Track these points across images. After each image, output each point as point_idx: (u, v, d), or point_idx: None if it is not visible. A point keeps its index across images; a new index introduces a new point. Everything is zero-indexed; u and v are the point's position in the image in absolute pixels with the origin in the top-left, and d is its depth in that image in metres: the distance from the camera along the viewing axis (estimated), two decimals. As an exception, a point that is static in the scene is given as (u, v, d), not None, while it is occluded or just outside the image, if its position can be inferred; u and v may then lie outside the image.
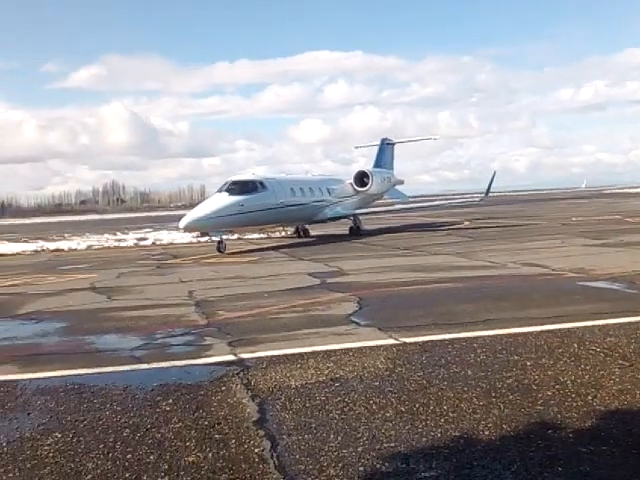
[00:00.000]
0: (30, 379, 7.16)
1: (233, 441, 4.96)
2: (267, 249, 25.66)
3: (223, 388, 6.39)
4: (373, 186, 34.41)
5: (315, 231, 34.05)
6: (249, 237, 32.83)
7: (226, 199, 24.79)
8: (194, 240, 30.97)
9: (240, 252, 24.71)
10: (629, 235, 22.31)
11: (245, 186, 25.97)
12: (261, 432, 5.13)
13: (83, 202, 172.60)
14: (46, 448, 5.04)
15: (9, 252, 30.32)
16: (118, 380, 6.93)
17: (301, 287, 13.68)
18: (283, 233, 33.91)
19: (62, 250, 30.88)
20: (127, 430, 5.34)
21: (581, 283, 12.14)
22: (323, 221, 32.25)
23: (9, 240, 38.25)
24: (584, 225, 29.61)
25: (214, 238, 24.62)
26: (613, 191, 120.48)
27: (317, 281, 14.56)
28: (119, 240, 35.17)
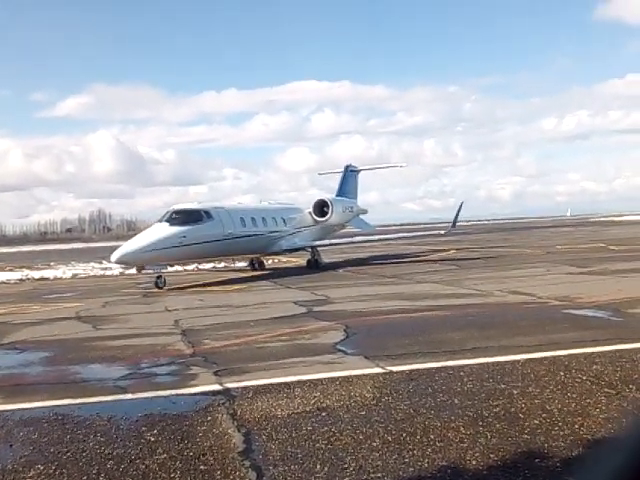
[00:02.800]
0: (13, 410, 7.08)
1: (219, 472, 4.92)
2: (255, 278, 25.59)
3: (209, 418, 6.33)
4: (333, 216, 32.17)
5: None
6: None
7: (166, 230, 22.73)
8: (180, 269, 30.84)
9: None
10: (613, 263, 22.47)
11: (188, 216, 23.90)
12: (247, 463, 5.08)
13: (69, 230, 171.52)
14: (28, 480, 4.97)
15: (-7, 281, 30.07)
16: (103, 410, 6.86)
17: (287, 315, 13.64)
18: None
19: (47, 279, 30.66)
20: (111, 461, 5.27)
21: (567, 311, 12.19)
22: (278, 253, 30.45)
23: (-7, 269, 37.94)
24: (569, 253, 29.79)
25: (151, 272, 22.64)
26: (598, 219, 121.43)
27: (303, 309, 14.53)
28: (105, 269, 34.94)
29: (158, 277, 22.16)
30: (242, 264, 32.52)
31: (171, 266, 24.47)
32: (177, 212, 24.00)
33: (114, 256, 21.57)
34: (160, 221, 23.70)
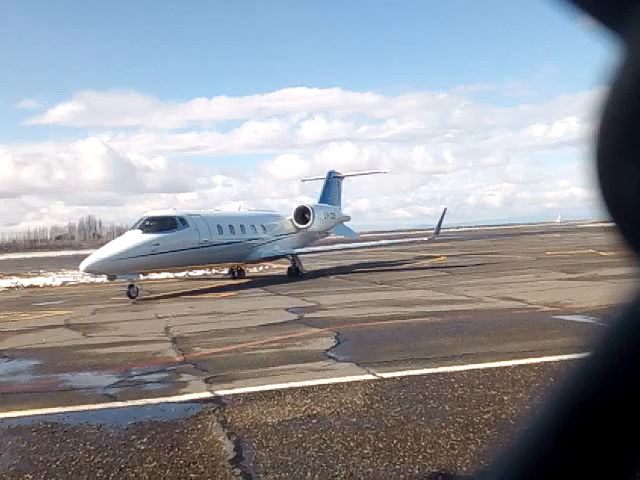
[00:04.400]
0: (1, 419, 7.03)
1: (209, 480, 4.89)
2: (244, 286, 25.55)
3: (199, 426, 6.31)
4: (315, 223, 31.60)
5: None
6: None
7: (138, 238, 21.99)
8: (171, 276, 30.78)
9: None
10: (602, 269, 22.54)
11: (162, 223, 23.14)
12: (237, 470, 5.07)
13: (59, 238, 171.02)
14: (17, 490, 4.93)
15: (-18, 289, 29.90)
16: (92, 419, 6.83)
17: (278, 322, 13.62)
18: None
19: (37, 286, 30.52)
20: (101, 470, 5.24)
21: (556, 317, 12.23)
22: (257, 261, 29.95)
23: (-18, 276, 37.72)
24: (558, 259, 29.89)
25: (124, 281, 21.86)
26: (587, 225, 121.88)
27: (294, 316, 14.51)
28: (95, 276, 34.81)
29: (130, 286, 21.42)
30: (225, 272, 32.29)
31: (144, 275, 23.80)
32: (150, 219, 23.36)
33: (83, 265, 20.77)
34: (133, 228, 23.14)
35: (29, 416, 7.07)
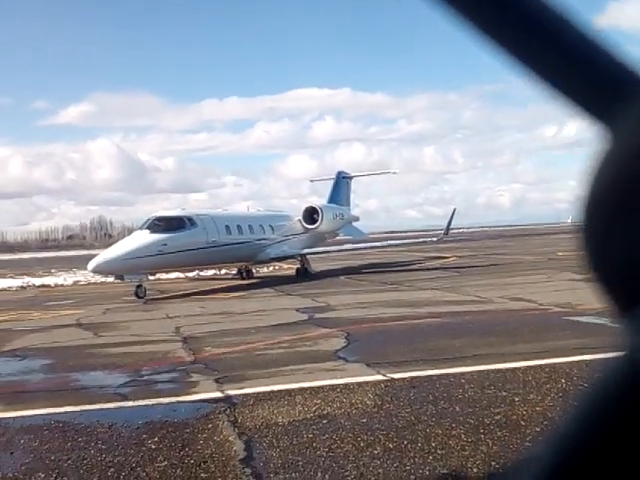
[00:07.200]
0: (14, 417, 7.07)
1: (219, 480, 4.91)
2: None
3: (210, 426, 6.32)
4: (324, 223, 31.45)
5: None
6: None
7: (146, 238, 21.93)
8: (181, 276, 30.84)
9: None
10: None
11: (170, 223, 23.15)
12: (248, 470, 5.08)
13: (70, 237, 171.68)
14: (29, 488, 4.96)
15: (-6, 288, 30.02)
16: (103, 418, 6.85)
17: (288, 322, 13.63)
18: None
19: (48, 286, 30.63)
20: (112, 469, 5.27)
21: (568, 318, 12.18)
22: (266, 261, 29.71)
23: (-6, 276, 37.92)
24: (570, 260, 29.71)
25: (132, 282, 21.58)
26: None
27: (305, 316, 14.51)
28: (105, 276, 34.86)
29: (138, 286, 21.34)
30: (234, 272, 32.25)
31: (152, 275, 23.66)
32: (159, 219, 23.32)
33: (91, 265, 20.77)
34: (141, 228, 23.13)
35: (41, 415, 7.11)
